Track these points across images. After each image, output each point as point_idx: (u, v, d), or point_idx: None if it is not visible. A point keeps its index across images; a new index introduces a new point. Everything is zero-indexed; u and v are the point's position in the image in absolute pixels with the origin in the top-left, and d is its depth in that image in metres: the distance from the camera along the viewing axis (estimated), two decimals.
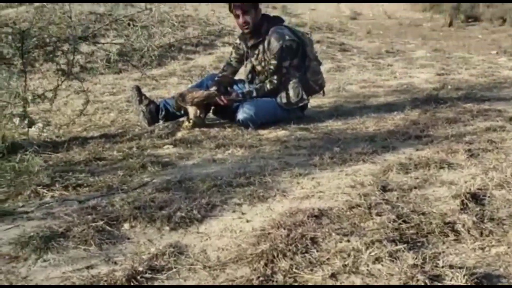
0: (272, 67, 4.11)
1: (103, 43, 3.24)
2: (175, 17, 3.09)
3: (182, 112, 4.15)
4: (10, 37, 2.78)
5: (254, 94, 4.14)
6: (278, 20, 4.28)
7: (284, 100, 4.14)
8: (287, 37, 4.08)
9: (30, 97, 2.56)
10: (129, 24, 3.05)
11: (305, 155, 3.18)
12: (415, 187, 2.47)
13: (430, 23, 16.08)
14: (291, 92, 4.14)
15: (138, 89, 4.33)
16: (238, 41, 4.39)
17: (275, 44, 4.07)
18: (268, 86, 4.13)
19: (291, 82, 4.13)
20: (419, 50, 9.81)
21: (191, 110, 4.05)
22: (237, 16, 4.16)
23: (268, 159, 3.11)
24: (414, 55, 9.00)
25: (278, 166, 2.92)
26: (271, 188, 2.55)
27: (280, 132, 3.83)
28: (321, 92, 4.44)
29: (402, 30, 14.40)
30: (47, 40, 2.94)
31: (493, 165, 2.73)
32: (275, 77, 4.11)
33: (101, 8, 8.67)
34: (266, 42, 4.13)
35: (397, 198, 2.34)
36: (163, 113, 4.24)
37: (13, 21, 7.59)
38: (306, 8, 21.64)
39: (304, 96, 4.17)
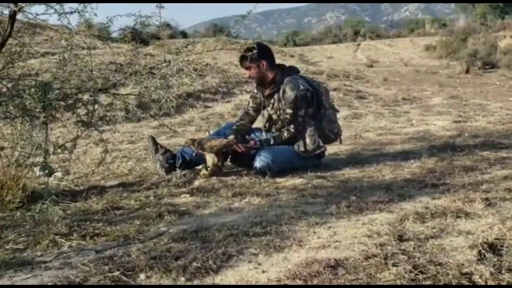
0: (288, 116, 4.17)
1: (122, 95, 3.32)
2: (194, 67, 3.18)
3: (195, 156, 4.20)
4: (33, 89, 2.86)
5: (272, 142, 4.19)
6: (293, 70, 4.36)
7: (301, 148, 4.18)
8: (301, 87, 4.15)
9: (51, 149, 2.61)
10: (148, 75, 3.12)
11: (322, 203, 3.19)
12: (432, 237, 2.46)
13: (447, 70, 16.17)
14: (307, 140, 4.18)
15: (153, 139, 4.41)
16: (255, 90, 4.48)
17: (289, 94, 4.14)
18: (285, 134, 4.18)
19: (307, 130, 4.18)
20: (436, 97, 9.86)
21: (209, 158, 4.10)
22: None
23: (284, 207, 3.12)
24: (430, 102, 9.04)
25: (295, 215, 2.93)
26: (288, 238, 2.56)
27: (297, 180, 3.85)
28: (338, 140, 4.47)
29: (419, 77, 14.50)
30: (68, 92, 3.03)
31: (511, 214, 2.71)
32: (292, 126, 4.17)
33: (121, 58, 8.89)
34: (281, 92, 4.21)
35: (414, 248, 2.33)
36: (180, 161, 4.29)
37: (35, 72, 7.82)
38: (323, 56, 21.94)
39: (321, 144, 4.21)
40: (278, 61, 4.48)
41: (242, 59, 4.21)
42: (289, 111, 4.15)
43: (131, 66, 8.44)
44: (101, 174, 4.24)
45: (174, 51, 3.50)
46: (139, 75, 3.24)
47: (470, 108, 7.95)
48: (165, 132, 6.29)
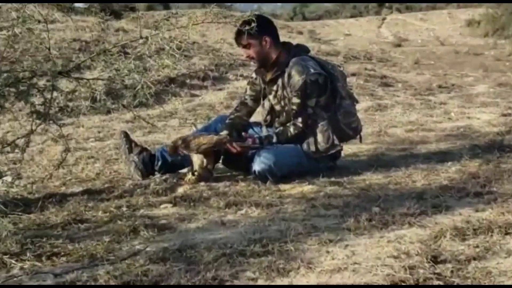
0: (294, 107, 4.16)
1: (88, 79, 3.31)
2: (178, 45, 3.16)
3: (179, 158, 4.20)
4: None
5: (274, 139, 4.18)
6: (301, 49, 4.36)
7: (312, 148, 4.16)
8: (311, 70, 4.13)
9: None
10: (120, 56, 3.11)
11: (337, 216, 3.19)
12: (474, 258, 2.46)
13: (494, 51, 16.20)
14: (319, 137, 4.16)
15: (126, 135, 4.42)
16: (254, 75, 4.48)
17: (296, 79, 4.12)
18: (291, 130, 4.17)
19: (319, 124, 4.16)
20: (480, 84, 9.87)
21: (196, 160, 4.10)
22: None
23: (290, 221, 3.12)
24: (473, 91, 9.05)
25: (303, 230, 2.93)
26: (294, 259, 2.56)
27: (306, 187, 3.86)
28: (357, 137, 4.47)
29: (459, 60, 14.52)
30: (21, 76, 3.02)
31: None
32: (300, 119, 4.16)
33: (86, 34, 8.88)
34: (286, 76, 4.19)
35: (452, 272, 2.33)
36: (160, 163, 4.29)
37: None
38: (340, 33, 21.96)
39: (336, 142, 4.20)
40: (282, 39, 4.48)
41: (239, 34, 4.18)
42: (296, 100, 4.14)
43: (99, 44, 8.41)
44: (62, 179, 4.24)
45: (152, 26, 3.50)
46: (108, 55, 3.23)
47: None
48: (141, 127, 6.29)
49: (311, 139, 4.17)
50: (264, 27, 4.15)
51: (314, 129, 4.17)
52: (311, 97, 4.14)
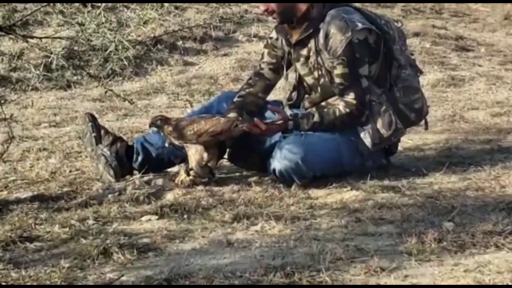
0: (340, 79, 4.11)
1: (40, 38, 3.32)
2: None
3: (169, 147, 4.21)
4: None
5: (317, 119, 4.14)
6: None
7: (370, 138, 4.12)
8: (358, 25, 4.10)
9: None
10: (85, 5, 3.12)
11: (392, 235, 3.20)
12: None
13: None
14: (379, 122, 4.13)
15: (93, 119, 4.42)
16: (274, 34, 4.47)
17: (339, 38, 4.08)
18: (341, 108, 4.11)
19: (373, 104, 4.13)
20: None
21: (194, 154, 4.10)
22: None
23: (325, 241, 3.13)
24: None
25: (344, 254, 2.94)
26: None
27: (348, 194, 3.86)
28: (421, 123, 4.45)
29: None
30: None
31: None
32: (351, 94, 4.10)
33: None
34: (321, 35, 4.16)
35: None
36: (140, 158, 4.31)
37: None
38: None
39: (399, 125, 4.16)
40: None
41: None
42: (341, 70, 4.09)
43: None
44: (3, 180, 4.26)
45: None
46: (68, 5, 3.24)
47: None
48: (114, 108, 6.30)
49: (368, 126, 4.14)
50: None
51: (373, 111, 4.14)
52: (362, 63, 4.11)
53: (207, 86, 7.26)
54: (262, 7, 4.23)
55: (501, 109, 6.01)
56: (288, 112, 4.31)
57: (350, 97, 4.08)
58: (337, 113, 4.10)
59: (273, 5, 4.16)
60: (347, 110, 4.08)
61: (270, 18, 4.37)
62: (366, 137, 4.12)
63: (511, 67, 8.26)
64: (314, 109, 4.21)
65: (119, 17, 3.26)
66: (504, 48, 9.61)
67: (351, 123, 4.13)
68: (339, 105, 4.11)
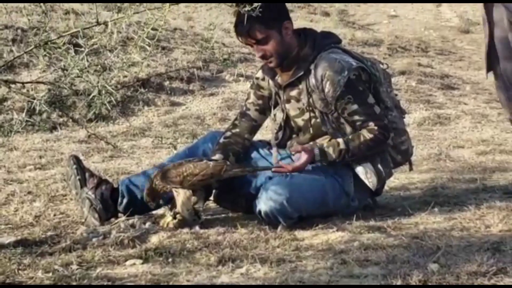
0: (353, 117, 4.13)
1: (23, 83, 3.33)
2: (151, 33, 3.14)
3: (160, 202, 4.20)
4: None
5: (343, 146, 4.11)
6: (329, 39, 4.34)
7: (373, 177, 4.16)
8: (353, 64, 4.14)
9: None
10: (69, 49, 3.12)
11: (377, 277, 3.19)
12: None
13: None
14: (379, 161, 4.20)
15: (77, 161, 4.40)
16: (260, 74, 4.48)
17: (336, 79, 4.09)
18: (365, 134, 4.11)
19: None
20: None
21: (182, 197, 4.08)
22: (250, 46, 4.30)
23: (311, 283, 3.12)
24: None
25: None
26: None
27: (334, 235, 3.85)
28: (407, 163, 4.47)
29: None
30: None
31: None
32: (371, 123, 4.11)
33: (22, 19, 8.88)
34: (312, 76, 4.18)
35: None
36: (125, 200, 4.30)
37: None
38: (382, 15, 21.97)
39: (384, 175, 4.24)
40: (301, 23, 4.48)
41: (250, 23, 4.05)
42: (352, 107, 4.11)
43: (40, 33, 8.38)
44: None
45: (115, 7, 3.50)
46: (53, 49, 3.25)
47: None
48: (99, 149, 6.30)
49: (369, 166, 4.18)
50: (282, 9, 4.15)
51: (353, 161, 4.19)
52: (366, 94, 4.16)
53: (194, 126, 7.28)
54: (259, 53, 4.21)
55: (486, 147, 6.04)
56: (275, 152, 4.31)
57: (371, 125, 4.11)
58: (362, 139, 4.11)
59: (270, 49, 4.17)
60: (371, 135, 4.10)
61: (254, 59, 4.34)
62: (370, 177, 4.15)
63: (496, 105, 8.29)
64: (338, 139, 4.17)
65: (103, 61, 3.25)
66: (489, 86, 9.64)
67: (377, 148, 4.15)
68: (362, 132, 4.12)
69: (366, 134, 4.10)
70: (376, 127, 4.09)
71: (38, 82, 3.25)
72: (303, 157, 4.09)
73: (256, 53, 4.28)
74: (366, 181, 4.15)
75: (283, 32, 4.19)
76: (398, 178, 4.89)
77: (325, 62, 4.14)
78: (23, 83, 3.29)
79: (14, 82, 3.30)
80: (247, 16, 3.86)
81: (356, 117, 4.12)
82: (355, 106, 4.11)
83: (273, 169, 4.16)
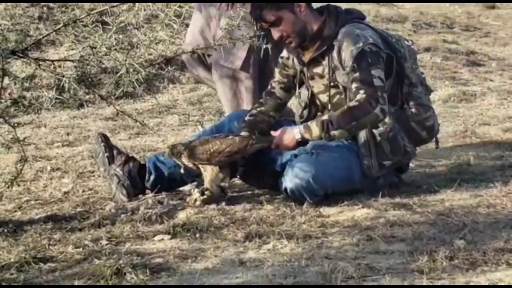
0: (352, 85, 4.08)
1: (52, 61, 3.35)
2: (177, 10, 3.16)
3: (186, 175, 4.22)
4: None
5: (325, 118, 4.06)
6: (352, 15, 4.34)
7: (373, 161, 4.14)
8: (370, 39, 4.12)
9: None
10: (96, 27, 3.14)
11: (404, 253, 3.20)
12: None
13: None
14: (385, 147, 4.15)
15: (105, 138, 4.44)
16: (285, 53, 4.48)
17: (350, 49, 4.09)
18: (350, 104, 4.05)
19: (382, 127, 4.15)
20: None
21: (208, 173, 4.11)
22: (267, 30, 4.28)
23: (337, 260, 3.13)
24: None
25: (355, 273, 2.95)
26: None
27: (359, 212, 3.87)
28: (432, 140, 4.46)
29: None
30: None
31: None
32: (361, 91, 4.02)
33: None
34: (335, 53, 4.18)
35: None
36: (153, 177, 4.34)
37: None
38: None
39: (409, 148, 4.22)
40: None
41: (261, 7, 4.13)
42: (354, 75, 4.07)
43: (67, 11, 8.38)
44: (17, 200, 4.28)
45: None
46: (80, 27, 3.26)
47: None
48: (126, 127, 6.31)
49: (373, 151, 4.15)
50: None
51: (376, 135, 4.15)
52: (374, 66, 4.08)
53: (218, 104, 7.23)
54: (276, 35, 4.21)
55: None
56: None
57: (360, 93, 4.03)
58: (345, 108, 4.06)
59: (286, 29, 4.17)
60: (356, 103, 4.02)
61: (289, 44, 4.31)
62: (371, 161, 4.13)
63: None
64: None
65: (130, 39, 3.27)
66: None
67: (363, 118, 4.01)
68: (349, 104, 4.07)
69: (351, 103, 4.04)
70: (364, 95, 4.00)
71: (67, 60, 3.26)
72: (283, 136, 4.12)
73: (274, 36, 4.25)
74: (387, 158, 4.15)
75: (296, 11, 4.18)
76: (424, 156, 4.88)
77: (345, 35, 4.14)
78: (52, 61, 3.29)
79: (44, 60, 3.30)
80: (260, 3, 4.00)
81: (354, 85, 4.06)
82: (356, 74, 4.05)
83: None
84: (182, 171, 4.19)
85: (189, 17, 6.02)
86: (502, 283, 2.77)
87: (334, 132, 4.00)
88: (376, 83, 4.05)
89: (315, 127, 4.04)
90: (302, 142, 4.11)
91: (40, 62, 3.42)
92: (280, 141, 4.11)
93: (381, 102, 4.02)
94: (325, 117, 4.07)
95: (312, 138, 4.07)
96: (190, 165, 4.12)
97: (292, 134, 4.09)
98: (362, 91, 4.02)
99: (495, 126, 5.98)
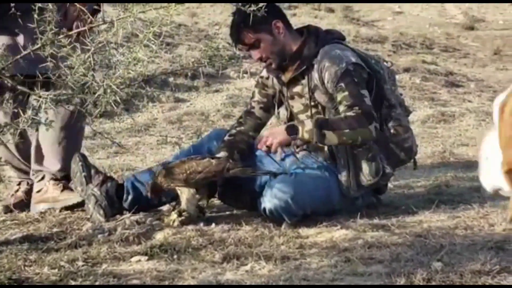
0: (341, 105, 4.10)
1: (28, 81, 3.34)
2: (156, 31, 3.15)
3: (164, 199, 4.23)
4: None
5: (321, 118, 4.15)
6: (332, 36, 4.39)
7: (351, 182, 4.18)
8: (352, 59, 4.17)
9: None
10: (74, 48, 3.14)
11: (381, 275, 3.20)
12: None
13: None
14: (364, 167, 4.18)
15: (83, 158, 4.44)
16: (264, 73, 4.52)
17: (334, 70, 4.13)
18: (347, 113, 4.07)
19: (361, 148, 4.17)
20: None
21: (186, 194, 4.12)
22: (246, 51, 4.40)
23: (315, 282, 3.14)
24: None
25: None
26: None
27: (338, 233, 3.87)
28: (411, 161, 4.49)
29: None
30: None
31: None
32: (356, 107, 4.06)
33: None
34: (315, 72, 4.23)
35: None
36: (131, 197, 4.34)
37: None
38: (386, 12, 21.96)
39: (388, 170, 4.24)
40: (306, 20, 4.49)
41: (240, 29, 4.21)
42: (342, 94, 4.10)
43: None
44: None
45: (120, 6, 3.51)
46: (58, 47, 3.26)
47: None
48: (104, 146, 6.31)
49: (351, 171, 4.19)
50: (268, 10, 4.12)
51: (356, 155, 4.18)
52: (361, 86, 4.14)
53: (198, 122, 7.29)
54: (256, 56, 4.28)
55: None
56: (279, 151, 4.31)
57: (355, 109, 4.05)
58: (343, 115, 4.07)
59: (264, 51, 4.23)
60: (353, 114, 4.03)
61: (267, 66, 4.35)
62: (350, 181, 4.17)
63: None
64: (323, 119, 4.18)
65: (108, 58, 3.26)
66: (494, 84, 9.69)
67: (358, 130, 4.05)
68: (346, 113, 4.08)
69: (349, 113, 4.05)
70: (360, 111, 4.03)
71: (43, 80, 3.25)
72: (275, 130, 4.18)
73: (254, 57, 4.34)
74: (365, 179, 4.17)
75: (274, 32, 4.25)
76: (402, 176, 4.90)
77: (326, 55, 4.19)
78: (28, 81, 3.30)
79: (23, 80, 3.30)
80: (234, 23, 4.15)
81: (344, 102, 4.09)
82: (345, 93, 4.08)
83: (258, 146, 4.22)
84: (148, 194, 4.20)
85: (168, 36, 6.04)
86: None
87: (326, 132, 4.02)
88: (366, 101, 4.11)
89: (308, 122, 4.08)
90: (293, 132, 4.08)
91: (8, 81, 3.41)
92: (271, 135, 4.13)
93: (376, 121, 4.09)
94: (319, 116, 4.15)
95: (303, 131, 4.04)
96: (167, 185, 4.12)
97: (283, 127, 4.14)
98: (356, 107, 4.05)
99: (473, 147, 6.02)
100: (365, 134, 4.07)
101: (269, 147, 4.10)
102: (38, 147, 4.58)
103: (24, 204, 4.62)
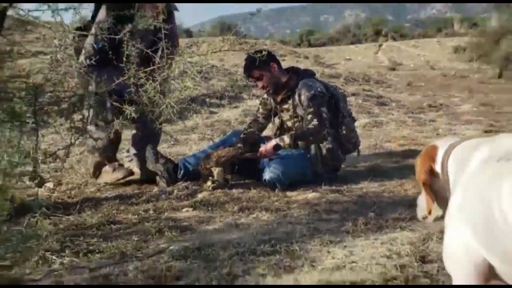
0: (310, 115, 4.16)
1: (119, 100, 3.34)
2: (198, 69, 3.15)
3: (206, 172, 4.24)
4: (23, 92, 2.89)
5: (293, 133, 4.18)
6: (308, 73, 4.44)
7: (319, 164, 4.25)
8: (319, 88, 4.24)
9: (40, 157, 2.63)
10: (148, 79, 3.13)
11: (337, 220, 3.21)
12: None
13: (478, 75, 16.14)
14: (327, 155, 4.27)
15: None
16: (266, 96, 4.52)
17: (307, 95, 4.20)
18: (310, 126, 4.14)
19: (325, 143, 4.25)
20: (465, 104, 9.85)
21: (217, 170, 4.13)
22: (254, 82, 4.47)
23: (296, 224, 3.14)
24: (459, 110, 9.04)
25: (307, 232, 2.95)
26: (299, 257, 2.58)
27: (310, 194, 3.87)
28: (356, 151, 4.50)
29: (446, 82, 14.49)
30: (62, 95, 3.05)
31: None
32: (315, 120, 4.13)
33: None
34: (296, 96, 4.27)
35: (438, 270, 2.34)
36: (182, 172, 4.33)
37: (26, 73, 7.87)
38: (341, 58, 21.96)
39: (341, 156, 4.34)
40: (290, 63, 4.52)
41: (250, 68, 4.28)
42: (310, 109, 4.18)
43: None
44: (96, 185, 4.26)
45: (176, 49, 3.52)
46: (137, 77, 3.25)
47: (504, 117, 7.93)
48: (166, 140, 6.31)
49: (319, 158, 4.25)
50: (267, 57, 4.18)
51: (321, 147, 4.26)
52: (322, 105, 4.19)
53: (224, 126, 7.27)
54: (260, 85, 4.38)
55: (405, 141, 6.04)
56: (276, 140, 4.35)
57: (314, 122, 4.13)
58: (305, 129, 4.17)
59: (265, 82, 4.33)
60: (312, 127, 4.13)
61: (266, 92, 4.44)
62: (317, 164, 4.25)
63: (411, 115, 8.30)
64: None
65: (169, 86, 3.27)
66: (407, 103, 9.66)
67: (317, 135, 4.16)
68: (309, 126, 4.15)
69: (310, 126, 4.14)
70: (317, 123, 4.11)
71: (129, 100, 3.24)
72: (267, 146, 4.17)
73: (259, 86, 4.43)
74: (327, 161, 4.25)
75: (271, 70, 4.31)
76: (350, 160, 4.90)
77: (303, 85, 4.27)
78: (120, 99, 3.29)
79: (117, 101, 3.29)
80: (247, 63, 4.25)
81: (309, 116, 4.16)
82: (311, 109, 4.16)
83: (258, 154, 4.23)
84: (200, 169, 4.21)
85: (205, 72, 6.04)
86: (398, 240, 2.78)
87: (298, 142, 4.17)
88: (324, 116, 4.16)
89: (286, 138, 4.14)
90: (278, 148, 4.15)
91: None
92: (264, 150, 4.17)
93: (327, 128, 4.18)
94: (293, 132, 4.18)
95: (284, 145, 4.14)
96: (206, 165, 4.13)
97: (272, 143, 4.16)
98: (315, 120, 4.13)
99: (394, 142, 6.01)
100: (321, 138, 4.20)
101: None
102: (135, 139, 4.52)
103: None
